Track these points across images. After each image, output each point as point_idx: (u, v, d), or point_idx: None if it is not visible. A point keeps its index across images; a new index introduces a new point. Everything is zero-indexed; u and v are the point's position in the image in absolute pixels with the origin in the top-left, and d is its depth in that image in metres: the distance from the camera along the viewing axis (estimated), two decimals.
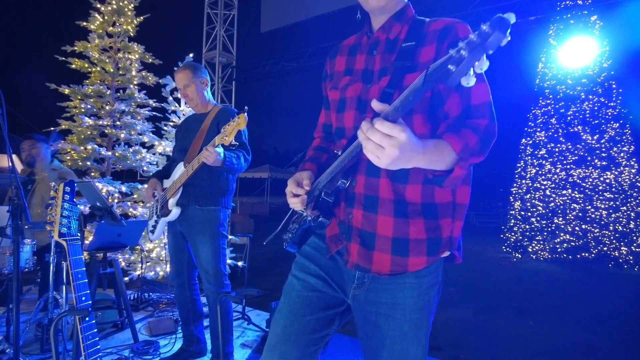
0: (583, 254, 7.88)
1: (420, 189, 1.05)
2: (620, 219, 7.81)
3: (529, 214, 8.69)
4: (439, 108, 1.03)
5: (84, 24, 4.86)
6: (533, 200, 8.67)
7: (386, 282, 1.09)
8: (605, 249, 7.76)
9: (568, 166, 8.41)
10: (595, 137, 8.25)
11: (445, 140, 0.90)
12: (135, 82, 4.97)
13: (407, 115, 1.02)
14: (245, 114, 2.00)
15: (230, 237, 4.36)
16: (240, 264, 5.03)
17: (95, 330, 1.46)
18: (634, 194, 7.85)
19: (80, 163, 4.58)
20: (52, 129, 4.70)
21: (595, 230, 7.92)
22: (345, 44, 1.27)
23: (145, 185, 4.54)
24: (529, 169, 8.89)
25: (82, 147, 4.52)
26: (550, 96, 8.76)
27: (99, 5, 4.90)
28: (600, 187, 8.05)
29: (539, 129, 8.90)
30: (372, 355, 1.14)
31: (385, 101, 1.03)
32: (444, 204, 1.07)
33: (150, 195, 2.48)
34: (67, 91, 4.66)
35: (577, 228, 8.04)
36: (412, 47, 1.05)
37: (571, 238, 8.03)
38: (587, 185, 8.16)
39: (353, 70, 1.18)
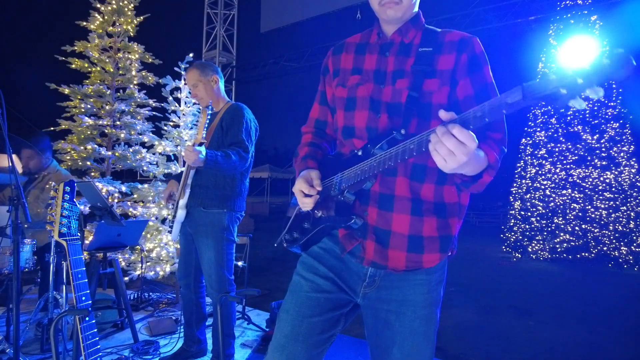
0: (583, 254, 7.88)
1: (433, 189, 1.09)
2: (620, 219, 7.81)
3: (529, 213, 8.68)
4: None
5: (84, 24, 4.86)
6: (533, 200, 8.67)
7: (397, 279, 1.11)
8: (605, 248, 7.76)
9: (568, 166, 8.41)
10: (595, 137, 8.25)
11: (483, 150, 0.95)
12: (135, 82, 4.97)
13: (425, 120, 1.06)
14: (207, 108, 2.05)
15: None
16: (240, 264, 5.02)
17: (95, 330, 1.45)
18: (634, 194, 7.85)
19: (80, 163, 4.57)
20: (52, 128, 4.70)
21: (595, 230, 7.92)
22: (351, 41, 1.26)
23: (146, 185, 4.57)
24: (529, 169, 8.89)
25: (82, 147, 4.51)
26: None
27: (99, 5, 4.90)
28: (600, 187, 8.05)
29: (539, 129, 8.90)
30: (381, 354, 1.15)
31: (411, 104, 1.06)
32: (452, 204, 1.11)
33: (167, 197, 2.45)
34: (67, 91, 4.66)
35: (577, 228, 8.04)
36: (430, 53, 1.09)
37: (571, 238, 8.03)
38: (587, 185, 8.16)
39: (362, 69, 1.18)
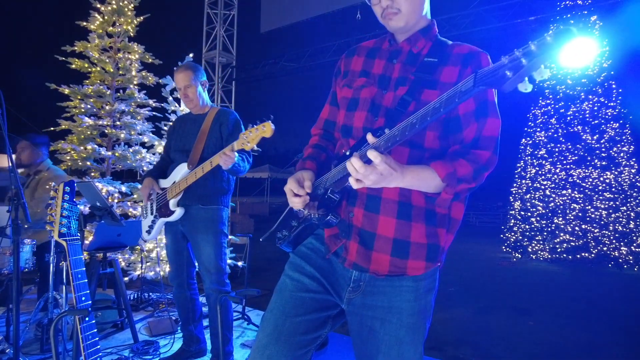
0: (583, 254, 7.88)
1: (424, 194, 1.06)
2: (620, 219, 7.81)
3: (529, 214, 8.68)
4: (457, 133, 1.05)
5: (84, 24, 4.86)
6: (533, 200, 8.67)
7: (383, 284, 1.08)
8: (605, 249, 7.76)
9: (568, 166, 8.41)
10: (595, 137, 8.25)
11: (431, 167, 0.95)
12: (135, 82, 4.97)
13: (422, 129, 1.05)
14: (271, 122, 1.90)
15: (230, 237, 4.36)
16: (240, 264, 5.03)
17: (95, 330, 1.45)
18: (634, 194, 7.85)
19: (80, 163, 4.57)
20: (52, 128, 4.70)
21: (595, 230, 7.92)
22: (364, 45, 1.27)
23: None
24: (529, 169, 8.89)
25: (82, 147, 4.51)
26: (550, 96, 8.76)
27: (99, 5, 4.90)
28: (600, 187, 8.05)
29: (538, 129, 8.90)
30: None
31: (401, 108, 1.05)
32: (442, 214, 1.08)
33: (147, 195, 2.45)
34: (67, 91, 4.66)
35: (577, 228, 8.04)
36: (435, 63, 1.07)
37: (571, 238, 8.03)
38: (587, 185, 8.16)
39: (370, 73, 1.18)
